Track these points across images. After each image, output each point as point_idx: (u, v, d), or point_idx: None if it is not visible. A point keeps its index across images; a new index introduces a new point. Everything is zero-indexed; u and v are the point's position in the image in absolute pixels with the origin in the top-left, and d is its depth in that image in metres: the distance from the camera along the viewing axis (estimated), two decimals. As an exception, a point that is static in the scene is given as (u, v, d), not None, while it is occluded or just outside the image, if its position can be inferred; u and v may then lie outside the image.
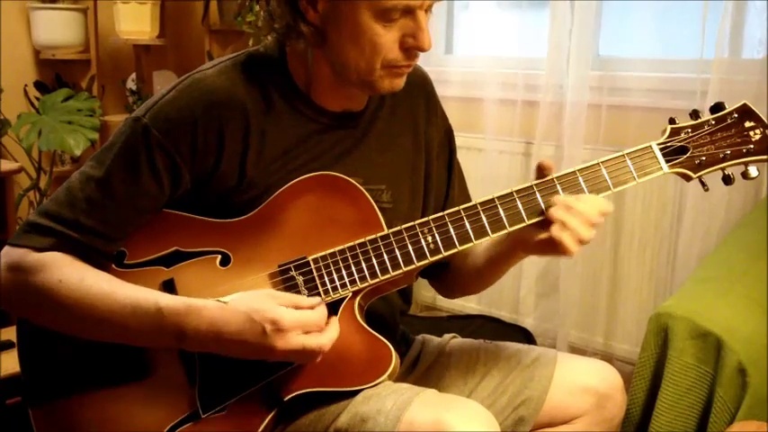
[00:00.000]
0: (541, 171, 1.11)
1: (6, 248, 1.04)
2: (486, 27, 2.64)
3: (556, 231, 1.05)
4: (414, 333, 1.40)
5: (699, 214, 2.16)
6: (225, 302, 0.99)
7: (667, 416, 1.38)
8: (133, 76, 3.23)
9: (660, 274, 2.35)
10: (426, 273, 1.32)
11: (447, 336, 1.37)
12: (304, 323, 0.98)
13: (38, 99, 2.99)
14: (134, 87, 3.21)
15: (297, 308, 1.00)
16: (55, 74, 3.19)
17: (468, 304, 2.78)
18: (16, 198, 2.87)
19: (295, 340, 0.97)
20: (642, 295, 2.40)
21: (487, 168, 2.62)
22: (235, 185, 1.07)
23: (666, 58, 2.35)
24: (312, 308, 1.01)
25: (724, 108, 1.12)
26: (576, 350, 2.49)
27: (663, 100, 2.29)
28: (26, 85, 3.13)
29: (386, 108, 1.19)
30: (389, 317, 1.24)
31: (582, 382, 1.23)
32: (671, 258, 2.31)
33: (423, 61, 1.21)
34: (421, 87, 1.26)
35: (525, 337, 2.52)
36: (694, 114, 1.12)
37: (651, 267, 2.37)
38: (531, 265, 2.60)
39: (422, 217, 1.12)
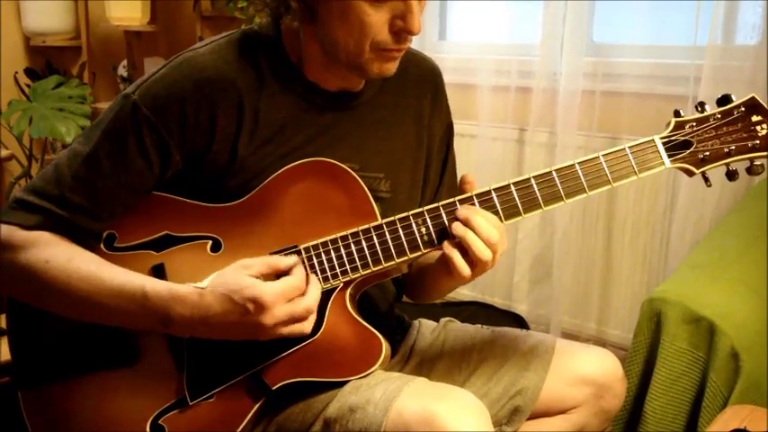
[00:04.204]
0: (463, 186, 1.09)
1: None
2: (479, 13, 2.62)
3: (447, 248, 1.03)
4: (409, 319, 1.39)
5: (692, 200, 2.16)
6: (203, 287, 0.99)
7: (660, 400, 1.39)
8: (124, 62, 3.21)
9: (653, 259, 2.36)
10: None
11: (443, 320, 1.36)
12: (285, 293, 0.97)
13: (28, 86, 2.97)
14: (125, 74, 3.19)
15: (273, 270, 0.99)
16: (45, 61, 3.16)
17: (461, 291, 2.78)
18: (7, 186, 2.85)
19: (280, 312, 0.96)
20: (635, 281, 2.41)
21: (481, 155, 2.62)
22: (227, 167, 1.06)
23: (660, 45, 2.34)
24: (289, 268, 1.00)
25: (731, 100, 1.09)
26: (568, 336, 2.50)
27: (656, 86, 2.29)
28: (16, 72, 3.11)
29: (388, 95, 1.17)
30: (383, 303, 1.24)
31: (581, 372, 1.22)
32: (664, 244, 2.32)
33: (416, 46, 1.19)
34: (430, 79, 1.24)
35: (518, 323, 2.53)
36: (700, 106, 1.09)
37: (644, 253, 2.38)
38: (524, 252, 2.60)
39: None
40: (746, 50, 2.06)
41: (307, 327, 1.00)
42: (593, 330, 2.51)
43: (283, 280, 0.98)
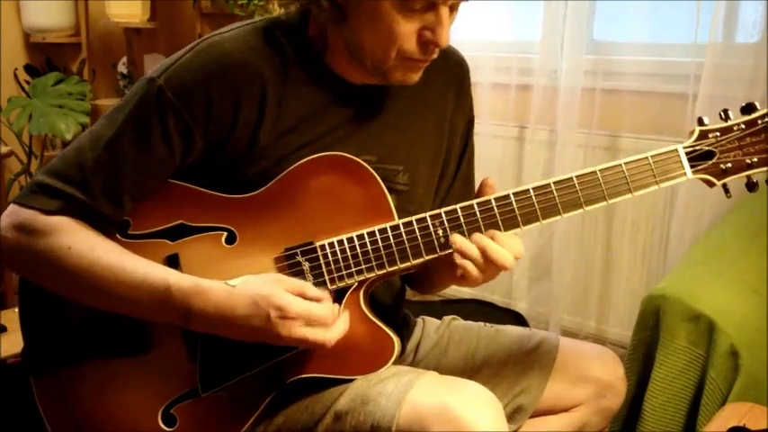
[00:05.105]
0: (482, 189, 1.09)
1: (13, 207, 1.02)
2: (480, 10, 2.62)
3: (458, 259, 1.02)
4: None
5: (691, 198, 2.16)
6: (233, 286, 0.98)
7: (660, 398, 1.39)
8: (124, 59, 3.20)
9: (652, 257, 2.36)
10: None
11: (447, 318, 1.36)
12: (309, 315, 0.97)
13: (28, 83, 2.97)
14: (125, 71, 3.19)
15: (302, 296, 0.98)
16: (45, 57, 3.16)
17: (461, 288, 2.78)
18: (7, 183, 2.85)
19: (298, 331, 0.96)
20: (634, 279, 2.41)
21: (481, 152, 2.59)
22: (246, 154, 1.05)
23: (661, 43, 2.34)
24: (318, 300, 0.99)
25: (756, 109, 1.06)
26: (568, 334, 2.50)
27: (657, 84, 2.29)
28: (16, 69, 3.10)
29: (410, 87, 1.13)
30: (390, 300, 1.23)
31: (583, 371, 1.22)
32: (663, 242, 2.32)
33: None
34: (455, 72, 1.23)
35: (518, 321, 2.52)
36: (724, 114, 1.06)
37: (644, 251, 2.38)
38: (524, 249, 2.60)
39: (432, 204, 1.10)
40: (747, 48, 2.06)
41: (314, 348, 1.01)
42: (593, 328, 2.52)
43: (313, 304, 0.98)
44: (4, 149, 2.68)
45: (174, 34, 3.33)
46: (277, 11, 2.74)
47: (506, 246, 1.02)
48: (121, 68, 3.22)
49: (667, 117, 2.26)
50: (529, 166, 2.56)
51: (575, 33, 2.36)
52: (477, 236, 1.02)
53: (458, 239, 1.02)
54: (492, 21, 2.58)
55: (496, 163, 2.59)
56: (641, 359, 1.47)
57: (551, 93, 2.44)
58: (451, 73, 1.22)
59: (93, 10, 3.12)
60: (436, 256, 1.05)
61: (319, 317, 0.98)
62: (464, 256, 1.01)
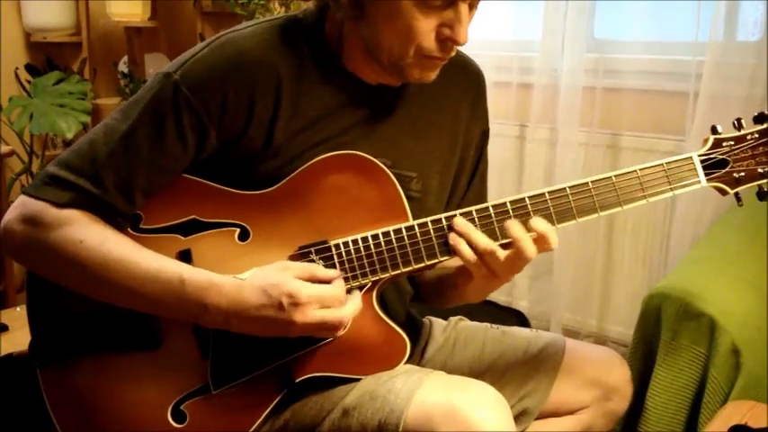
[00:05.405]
0: None
1: (23, 198, 1.01)
2: (480, 9, 2.62)
3: (452, 239, 1.03)
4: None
5: (692, 198, 2.16)
6: (242, 279, 0.98)
7: (661, 396, 1.39)
8: (125, 58, 3.20)
9: (653, 256, 2.36)
10: None
11: (453, 319, 1.36)
12: (322, 297, 0.96)
13: (29, 82, 2.97)
14: (126, 70, 3.18)
15: (313, 278, 0.98)
16: (46, 57, 3.16)
17: (462, 287, 2.78)
18: (8, 182, 2.85)
19: (313, 314, 0.96)
20: (636, 278, 2.41)
21: (482, 151, 2.61)
22: (260, 151, 1.05)
23: (661, 41, 2.34)
24: (329, 281, 0.99)
25: None
26: (569, 332, 2.50)
27: (658, 82, 2.29)
28: (17, 68, 3.10)
29: (427, 93, 1.14)
30: (399, 303, 1.22)
31: (590, 375, 1.22)
32: (664, 241, 2.31)
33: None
34: (472, 83, 1.23)
35: (519, 319, 2.52)
36: (737, 123, 1.08)
37: (645, 250, 2.38)
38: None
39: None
40: (748, 47, 2.05)
41: (336, 335, 1.00)
42: (594, 327, 2.51)
43: (323, 286, 0.98)
44: (6, 149, 2.68)
45: (175, 33, 3.33)
46: (278, 10, 2.75)
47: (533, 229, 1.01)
48: (122, 67, 3.22)
49: (668, 115, 2.26)
50: (530, 164, 2.57)
51: (575, 32, 2.35)
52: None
53: (458, 220, 1.03)
54: (493, 20, 2.58)
55: (497, 161, 2.59)
56: (642, 358, 1.47)
57: (552, 91, 2.44)
58: (468, 83, 1.22)
59: (94, 9, 3.12)
60: (450, 257, 1.04)
61: (332, 297, 0.97)
62: (459, 234, 1.01)
